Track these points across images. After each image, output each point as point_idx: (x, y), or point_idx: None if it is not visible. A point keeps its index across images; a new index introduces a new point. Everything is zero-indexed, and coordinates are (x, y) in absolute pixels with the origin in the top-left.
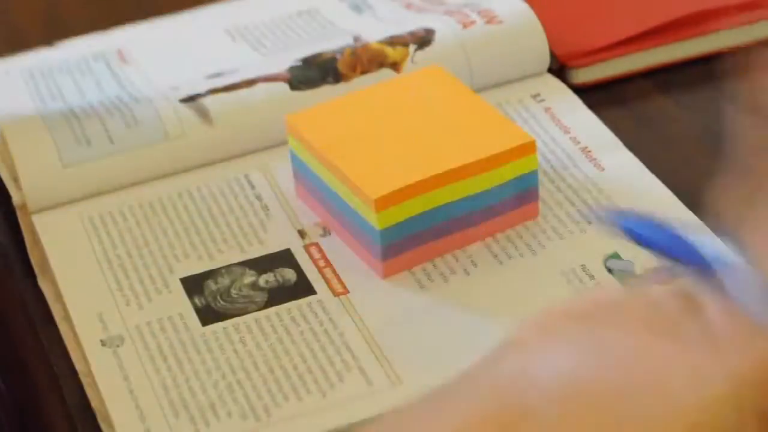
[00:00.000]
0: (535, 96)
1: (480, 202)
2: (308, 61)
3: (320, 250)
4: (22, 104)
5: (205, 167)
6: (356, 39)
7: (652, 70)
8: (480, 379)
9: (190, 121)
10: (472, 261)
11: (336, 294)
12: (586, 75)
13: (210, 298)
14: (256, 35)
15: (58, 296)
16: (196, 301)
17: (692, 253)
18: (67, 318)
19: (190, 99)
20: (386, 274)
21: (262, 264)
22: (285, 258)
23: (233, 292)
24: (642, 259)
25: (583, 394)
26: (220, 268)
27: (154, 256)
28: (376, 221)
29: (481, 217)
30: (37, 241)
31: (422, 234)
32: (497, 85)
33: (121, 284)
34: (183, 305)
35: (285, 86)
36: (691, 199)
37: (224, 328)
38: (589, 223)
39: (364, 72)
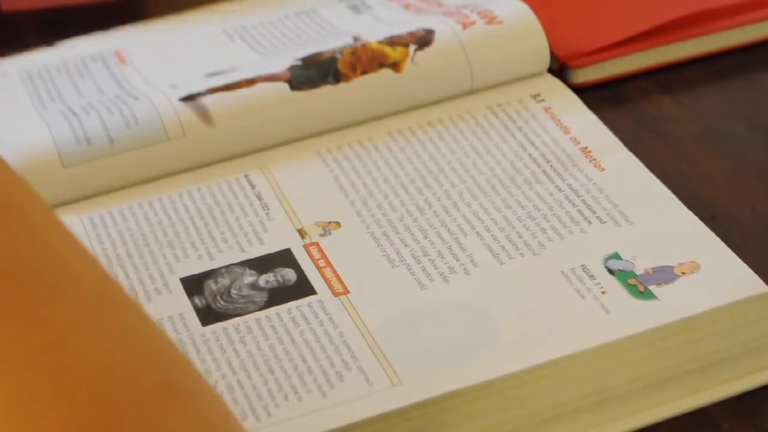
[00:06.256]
0: (535, 96)
1: None
2: (308, 61)
3: (320, 250)
4: (22, 104)
5: (205, 167)
6: (356, 39)
7: (652, 70)
8: None
9: (190, 121)
10: (472, 261)
11: (336, 294)
12: (586, 75)
13: (210, 298)
14: (255, 36)
15: None
16: (196, 301)
17: None
18: None
19: (189, 98)
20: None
21: (262, 264)
22: (285, 258)
23: (233, 292)
24: (642, 259)
25: None
26: (220, 268)
27: (154, 256)
28: None
29: None
30: None
31: None
32: (497, 85)
33: (121, 284)
34: (183, 305)
35: (285, 86)
36: (692, 200)
37: (224, 328)
38: (590, 223)
39: (364, 72)
